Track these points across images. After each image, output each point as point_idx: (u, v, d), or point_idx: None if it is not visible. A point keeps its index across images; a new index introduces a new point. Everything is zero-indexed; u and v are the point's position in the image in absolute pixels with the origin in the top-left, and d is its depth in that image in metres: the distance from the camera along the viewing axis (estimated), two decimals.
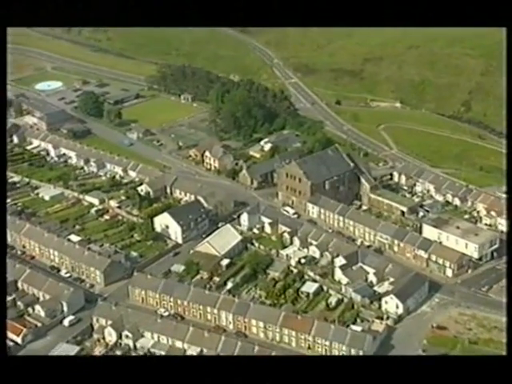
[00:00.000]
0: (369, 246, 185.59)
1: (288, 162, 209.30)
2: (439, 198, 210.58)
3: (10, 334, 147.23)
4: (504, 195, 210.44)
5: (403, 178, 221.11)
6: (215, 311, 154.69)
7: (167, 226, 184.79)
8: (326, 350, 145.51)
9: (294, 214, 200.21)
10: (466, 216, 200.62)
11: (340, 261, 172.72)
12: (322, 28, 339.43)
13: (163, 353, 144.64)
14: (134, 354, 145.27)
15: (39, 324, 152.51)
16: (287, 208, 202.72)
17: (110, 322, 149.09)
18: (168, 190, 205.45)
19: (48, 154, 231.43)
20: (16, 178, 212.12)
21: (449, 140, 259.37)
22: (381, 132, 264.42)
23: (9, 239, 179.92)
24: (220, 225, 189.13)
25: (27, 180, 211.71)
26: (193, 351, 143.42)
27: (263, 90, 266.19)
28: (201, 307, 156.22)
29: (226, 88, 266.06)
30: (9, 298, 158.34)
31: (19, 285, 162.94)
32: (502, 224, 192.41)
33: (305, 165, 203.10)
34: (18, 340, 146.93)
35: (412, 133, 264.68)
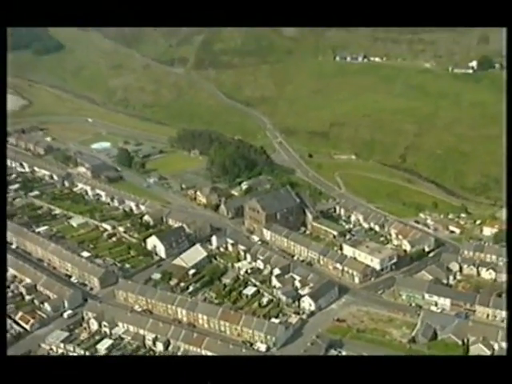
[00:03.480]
0: (302, 261, 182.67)
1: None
2: (366, 225, 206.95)
3: (22, 323, 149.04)
4: (413, 223, 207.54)
5: (343, 210, 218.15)
6: (173, 308, 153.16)
7: (155, 246, 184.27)
8: (250, 336, 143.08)
9: (259, 240, 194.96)
10: (382, 238, 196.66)
11: (276, 271, 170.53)
12: (304, 100, 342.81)
13: (129, 338, 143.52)
14: (109, 341, 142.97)
15: (45, 316, 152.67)
16: (253, 236, 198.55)
17: (94, 315, 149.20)
18: (164, 220, 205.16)
19: (87, 193, 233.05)
20: (57, 211, 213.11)
21: (385, 183, 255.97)
22: (336, 177, 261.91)
23: (39, 254, 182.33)
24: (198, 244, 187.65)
25: (65, 212, 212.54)
26: (150, 337, 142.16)
27: (248, 146, 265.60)
28: (164, 305, 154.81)
29: (222, 145, 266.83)
30: (28, 298, 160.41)
31: (38, 287, 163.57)
32: (406, 244, 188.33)
33: (262, 200, 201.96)
34: (27, 327, 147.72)
35: (359, 178, 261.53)
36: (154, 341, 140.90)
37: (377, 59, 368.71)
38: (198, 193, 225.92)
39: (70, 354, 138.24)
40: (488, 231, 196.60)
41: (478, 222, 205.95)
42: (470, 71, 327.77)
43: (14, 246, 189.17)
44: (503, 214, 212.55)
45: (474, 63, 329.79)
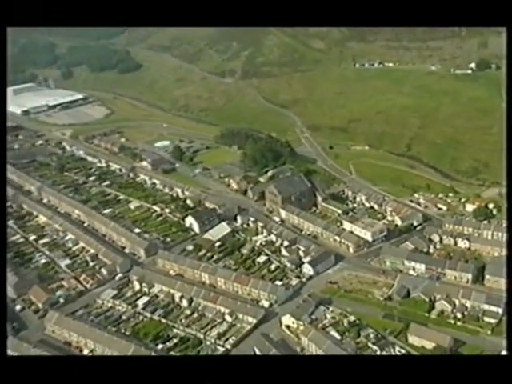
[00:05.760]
0: (309, 235, 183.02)
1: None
2: (367, 204, 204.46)
3: (84, 283, 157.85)
4: (408, 202, 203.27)
5: (350, 192, 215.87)
6: (199, 272, 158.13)
7: (191, 224, 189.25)
8: (256, 295, 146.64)
9: (280, 220, 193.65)
10: (379, 215, 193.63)
11: (285, 243, 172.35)
12: (328, 101, 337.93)
13: (162, 296, 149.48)
14: (147, 298, 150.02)
15: (102, 278, 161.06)
16: (275, 217, 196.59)
17: (136, 278, 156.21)
18: (202, 202, 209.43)
19: (145, 182, 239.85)
20: (121, 197, 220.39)
21: (391, 169, 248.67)
22: (349, 165, 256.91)
23: (103, 231, 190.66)
24: (225, 222, 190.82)
25: (127, 198, 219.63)
26: (177, 295, 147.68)
27: (275, 141, 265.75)
28: (191, 270, 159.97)
29: (254, 140, 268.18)
30: (91, 264, 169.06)
31: (99, 256, 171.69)
32: (397, 220, 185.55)
33: (278, 186, 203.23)
34: (88, 286, 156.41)
35: (369, 165, 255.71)
36: (181, 298, 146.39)
37: (390, 64, 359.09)
38: (231, 180, 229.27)
39: (117, 307, 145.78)
40: (470, 207, 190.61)
41: (463, 199, 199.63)
42: (469, 72, 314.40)
43: (85, 225, 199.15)
44: (487, 193, 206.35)
45: (472, 65, 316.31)
